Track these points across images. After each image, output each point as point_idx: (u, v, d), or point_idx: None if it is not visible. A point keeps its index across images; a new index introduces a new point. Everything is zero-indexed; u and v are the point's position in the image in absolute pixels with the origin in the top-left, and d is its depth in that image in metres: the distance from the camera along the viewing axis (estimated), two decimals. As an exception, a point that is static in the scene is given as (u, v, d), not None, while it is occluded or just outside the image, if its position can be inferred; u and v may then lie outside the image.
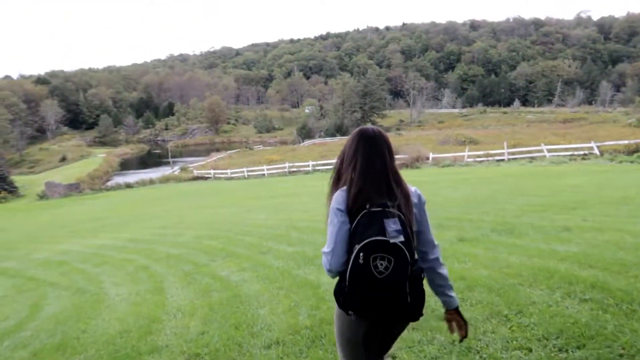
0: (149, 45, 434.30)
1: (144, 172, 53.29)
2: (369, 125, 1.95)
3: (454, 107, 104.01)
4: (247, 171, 36.79)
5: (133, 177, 46.81)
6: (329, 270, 1.79)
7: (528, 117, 76.47)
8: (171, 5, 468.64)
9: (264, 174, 35.59)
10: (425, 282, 1.87)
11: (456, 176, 18.05)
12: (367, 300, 1.70)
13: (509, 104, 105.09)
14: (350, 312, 1.76)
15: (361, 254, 1.65)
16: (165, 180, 40.24)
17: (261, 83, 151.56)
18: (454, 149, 33.41)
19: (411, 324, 2.09)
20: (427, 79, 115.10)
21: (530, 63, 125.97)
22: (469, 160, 25.41)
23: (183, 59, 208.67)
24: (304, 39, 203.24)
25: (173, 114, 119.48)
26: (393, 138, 40.89)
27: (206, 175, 40.39)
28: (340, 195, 1.80)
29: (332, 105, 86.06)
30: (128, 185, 39.51)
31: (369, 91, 77.60)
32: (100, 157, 72.41)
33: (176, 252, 8.58)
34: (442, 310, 2.01)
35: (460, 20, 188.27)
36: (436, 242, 1.93)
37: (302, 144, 64.55)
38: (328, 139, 66.55)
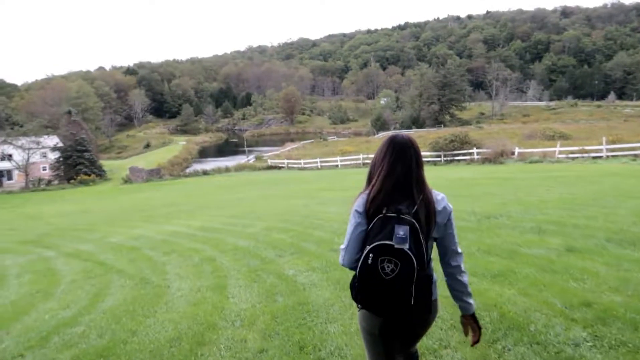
0: (230, 37, 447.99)
1: (221, 160, 54.75)
2: (401, 132, 2.03)
3: (539, 99, 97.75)
4: (320, 162, 36.43)
5: (210, 164, 48.17)
6: (343, 265, 1.93)
7: (625, 111, 70.03)
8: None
9: (337, 165, 35.06)
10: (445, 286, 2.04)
11: (548, 174, 16.37)
12: (373, 297, 1.79)
13: (603, 97, 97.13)
14: (359, 305, 1.88)
15: (370, 255, 1.73)
16: (240, 168, 40.94)
17: (337, 74, 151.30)
18: (542, 144, 30.91)
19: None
20: (512, 70, 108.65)
21: (630, 52, 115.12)
22: (560, 156, 23.22)
23: (261, 50, 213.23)
24: (382, 29, 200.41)
25: (250, 104, 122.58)
26: (473, 132, 38.82)
27: (280, 165, 40.60)
28: (361, 198, 1.90)
29: (408, 96, 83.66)
30: (205, 172, 40.59)
31: (448, 82, 74.39)
32: (180, 144, 75.61)
33: (244, 245, 8.18)
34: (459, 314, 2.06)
35: (550, 7, 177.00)
36: (459, 250, 1.97)
37: (376, 136, 63.36)
38: (404, 131, 64.24)
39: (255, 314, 4.12)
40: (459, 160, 27.87)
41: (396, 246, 1.69)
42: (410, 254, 1.69)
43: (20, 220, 19.50)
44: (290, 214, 11.83)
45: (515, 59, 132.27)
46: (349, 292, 4.41)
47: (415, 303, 1.75)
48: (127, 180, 40.73)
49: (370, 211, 1.83)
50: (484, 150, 26.64)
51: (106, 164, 55.02)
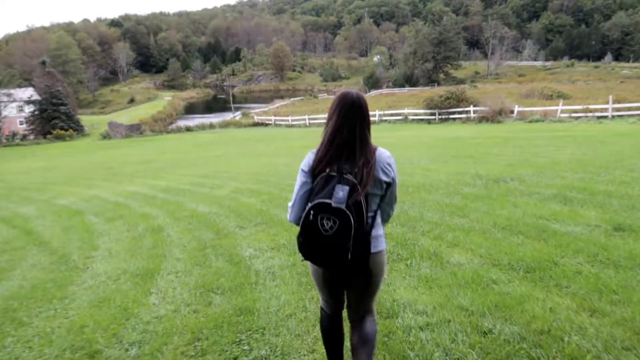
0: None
1: (207, 116, 52.59)
2: (351, 89, 1.94)
3: (535, 59, 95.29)
4: (309, 119, 34.72)
5: (195, 121, 46.16)
6: (290, 222, 1.91)
7: (623, 72, 68.24)
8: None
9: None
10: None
11: (553, 133, 14.97)
12: (312, 251, 1.80)
13: (599, 57, 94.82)
14: (302, 257, 1.86)
15: (311, 212, 1.73)
16: (225, 125, 39.09)
17: (329, 30, 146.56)
18: (541, 103, 29.40)
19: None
20: (509, 28, 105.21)
21: (629, 12, 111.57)
22: (562, 115, 21.77)
23: (252, 4, 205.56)
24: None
25: (239, 60, 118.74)
26: (468, 90, 37.07)
27: (267, 122, 38.81)
28: (308, 157, 1.90)
29: (402, 54, 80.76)
30: (188, 129, 38.77)
31: (443, 39, 71.56)
32: (166, 100, 72.97)
33: (204, 211, 6.86)
34: None
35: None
36: (392, 213, 1.99)
37: (368, 94, 61.25)
38: (396, 90, 62.73)
39: (171, 328, 2.72)
40: (454, 119, 26.32)
41: (334, 205, 1.68)
42: (348, 212, 1.68)
43: (-23, 177, 17.88)
44: (268, 174, 10.49)
45: (512, 17, 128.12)
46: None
47: (353, 257, 1.73)
48: (105, 136, 38.78)
49: (315, 170, 1.82)
50: (482, 108, 25.07)
51: (88, 119, 52.69)
